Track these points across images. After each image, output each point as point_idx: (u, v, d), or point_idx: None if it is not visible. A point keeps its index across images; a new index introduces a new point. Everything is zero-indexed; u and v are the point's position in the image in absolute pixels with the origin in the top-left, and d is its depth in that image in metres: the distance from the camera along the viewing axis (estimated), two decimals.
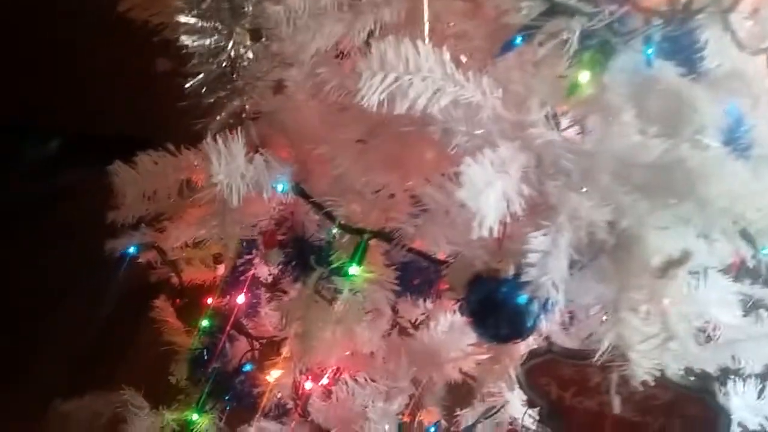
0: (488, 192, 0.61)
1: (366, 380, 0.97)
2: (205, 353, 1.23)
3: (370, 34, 0.92)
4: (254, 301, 1.31)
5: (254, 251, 1.25)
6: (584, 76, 0.67)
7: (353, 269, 0.81)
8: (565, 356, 0.78)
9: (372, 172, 0.83)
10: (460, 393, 1.14)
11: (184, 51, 0.70)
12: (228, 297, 1.28)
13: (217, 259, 1.27)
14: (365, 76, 0.68)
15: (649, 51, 0.77)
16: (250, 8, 0.70)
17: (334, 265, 0.83)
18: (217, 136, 0.70)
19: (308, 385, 0.98)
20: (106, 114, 2.62)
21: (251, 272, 1.28)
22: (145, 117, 2.47)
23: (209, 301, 1.31)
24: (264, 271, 1.31)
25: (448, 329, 0.98)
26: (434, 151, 0.80)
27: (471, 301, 0.72)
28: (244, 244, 1.21)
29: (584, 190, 0.72)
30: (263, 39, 0.72)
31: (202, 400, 1.20)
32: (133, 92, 2.47)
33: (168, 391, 1.25)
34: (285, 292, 1.37)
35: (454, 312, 0.95)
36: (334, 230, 0.84)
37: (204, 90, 0.71)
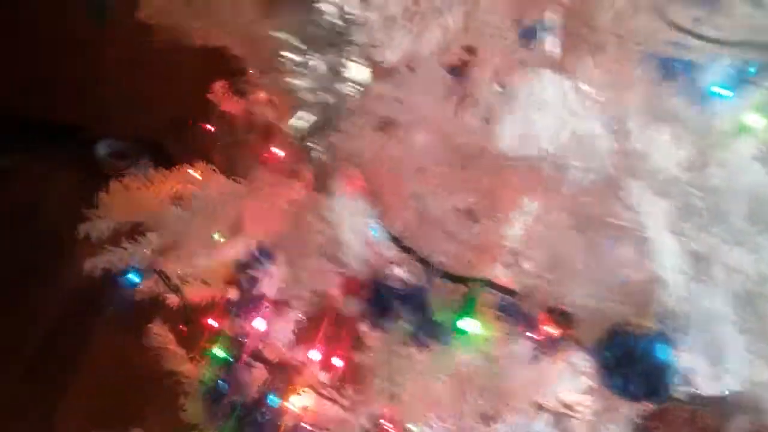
0: (671, 256, 0.55)
1: (434, 422, 0.90)
2: (219, 385, 1.12)
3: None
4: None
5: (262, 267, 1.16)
6: (757, 121, 0.61)
7: (465, 323, 0.72)
8: (688, 402, 0.73)
9: (464, 212, 0.75)
10: None
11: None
12: (235, 318, 1.17)
13: (229, 282, 1.15)
14: (501, 117, 0.60)
15: None
16: (362, 38, 0.60)
17: (434, 317, 0.74)
18: (337, 194, 0.60)
19: None
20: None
21: (259, 290, 1.18)
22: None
23: (212, 323, 1.20)
24: (271, 288, 1.21)
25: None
26: (541, 187, 0.73)
27: (605, 355, 0.66)
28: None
29: (715, 230, 0.68)
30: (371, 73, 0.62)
31: None
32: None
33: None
34: (292, 308, 1.27)
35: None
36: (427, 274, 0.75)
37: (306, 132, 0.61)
